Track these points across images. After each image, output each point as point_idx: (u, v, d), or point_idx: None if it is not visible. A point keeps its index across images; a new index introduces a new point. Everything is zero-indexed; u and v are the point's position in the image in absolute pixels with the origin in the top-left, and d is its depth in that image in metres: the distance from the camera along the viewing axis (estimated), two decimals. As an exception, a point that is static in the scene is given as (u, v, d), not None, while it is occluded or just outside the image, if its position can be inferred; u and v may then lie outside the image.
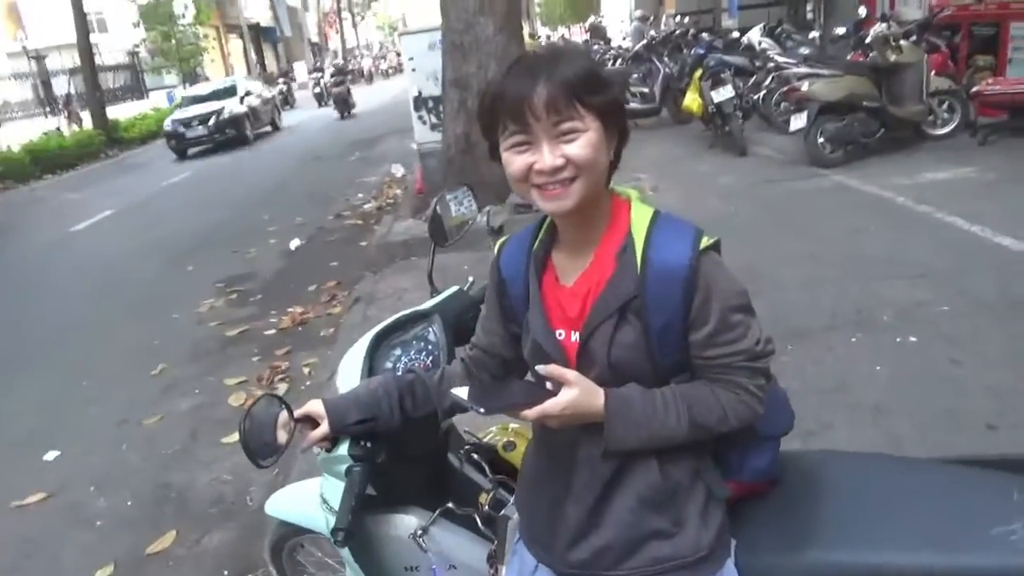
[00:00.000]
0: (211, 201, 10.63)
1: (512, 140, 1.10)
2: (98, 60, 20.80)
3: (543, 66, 1.08)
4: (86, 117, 20.36)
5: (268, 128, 19.34)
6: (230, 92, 18.09)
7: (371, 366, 1.53)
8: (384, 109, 20.73)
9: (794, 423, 1.34)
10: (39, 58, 23.01)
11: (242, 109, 17.53)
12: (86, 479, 3.53)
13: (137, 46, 25.86)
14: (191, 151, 17.10)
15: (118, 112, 21.38)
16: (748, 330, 1.12)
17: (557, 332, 1.20)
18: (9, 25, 27.15)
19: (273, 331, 5.01)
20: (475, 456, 1.66)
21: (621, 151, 1.18)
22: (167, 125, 17.26)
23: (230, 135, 16.98)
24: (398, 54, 41.58)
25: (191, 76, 25.04)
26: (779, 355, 3.37)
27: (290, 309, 5.29)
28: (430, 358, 1.55)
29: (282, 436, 1.33)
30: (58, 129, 19.96)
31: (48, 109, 22.28)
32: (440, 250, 1.78)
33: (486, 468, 1.64)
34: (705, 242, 1.12)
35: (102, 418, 4.15)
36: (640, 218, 1.15)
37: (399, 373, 1.49)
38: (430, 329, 1.59)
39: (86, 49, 18.46)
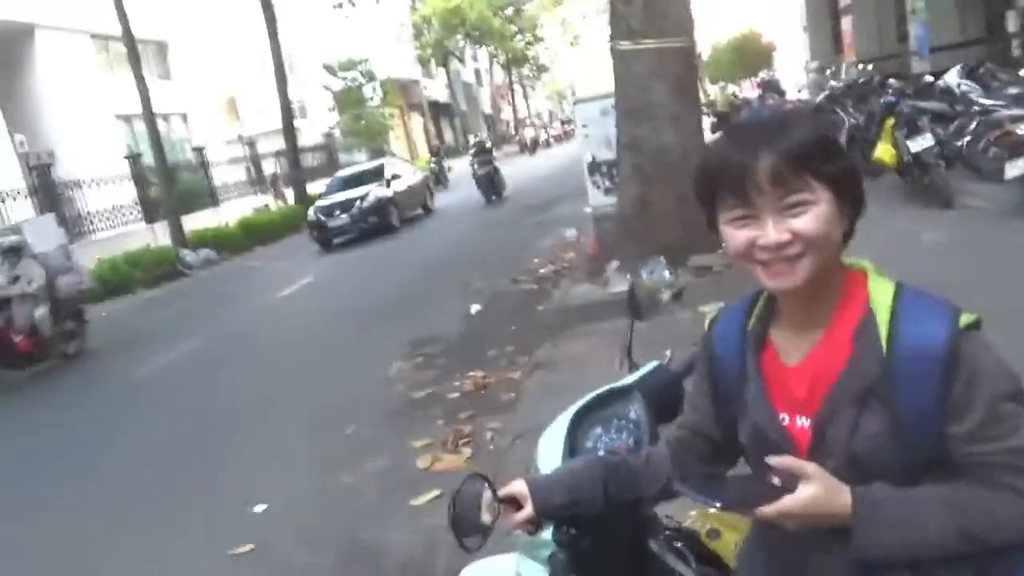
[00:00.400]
0: (395, 268, 11.32)
1: (732, 213, 1.03)
2: (299, 142, 23.15)
3: (766, 133, 1.00)
4: (290, 193, 22.59)
5: (419, 211, 18.08)
6: (376, 174, 16.73)
7: (571, 445, 1.49)
8: (544, 184, 18.77)
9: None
10: (251, 143, 26.02)
11: (387, 194, 16.07)
12: (289, 533, 3.75)
13: (332, 128, 28.55)
14: (336, 241, 15.68)
15: (316, 188, 23.59)
16: (1022, 423, 0.96)
17: (781, 416, 1.10)
18: (229, 118, 31.06)
19: (456, 394, 5.14)
20: (677, 544, 1.56)
21: (856, 222, 1.08)
22: (310, 214, 16.05)
23: (373, 223, 15.49)
24: (563, 122, 42.73)
25: (378, 152, 27.17)
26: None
27: (471, 373, 5.42)
28: (631, 438, 1.49)
29: (487, 517, 1.31)
30: (266, 205, 22.37)
31: (258, 188, 25.00)
32: (638, 324, 1.73)
33: (690, 558, 1.53)
34: (965, 319, 0.98)
35: (303, 474, 4.42)
36: (881, 293, 1.03)
37: (601, 453, 1.43)
38: (630, 407, 1.53)
39: (290, 133, 20.59)
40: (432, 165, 23.97)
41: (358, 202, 15.55)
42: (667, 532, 1.59)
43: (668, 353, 1.81)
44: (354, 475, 4.23)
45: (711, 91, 40.74)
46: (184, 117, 24.70)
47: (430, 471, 4.04)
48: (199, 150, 21.75)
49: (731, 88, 27.02)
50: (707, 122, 26.71)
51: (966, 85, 9.67)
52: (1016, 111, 6.65)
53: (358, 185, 16.30)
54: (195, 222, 18.23)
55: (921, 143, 7.26)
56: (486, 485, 1.33)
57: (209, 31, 28.39)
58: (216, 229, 18.17)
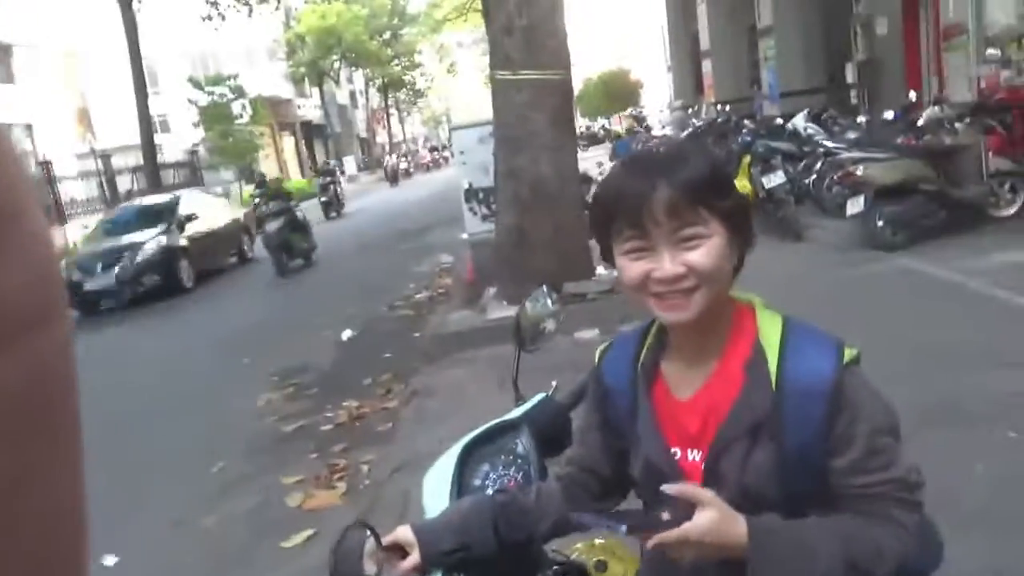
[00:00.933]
0: (269, 290, 10.83)
1: (628, 245, 1.02)
2: (160, 159, 21.86)
3: (663, 165, 1.01)
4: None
5: (233, 259, 14.07)
6: (166, 213, 12.35)
7: (459, 483, 1.43)
8: (417, 210, 17.91)
9: (942, 556, 1.19)
10: (105, 157, 24.31)
11: (175, 241, 11.77)
12: (143, 586, 3.43)
13: (197, 144, 27.21)
14: (103, 306, 11.33)
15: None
16: (897, 455, 1.01)
17: (673, 451, 1.10)
18: (81, 129, 28.91)
19: (330, 426, 4.94)
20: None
21: (745, 256, 1.10)
22: (63, 269, 10.44)
23: (152, 284, 11.21)
24: (432, 149, 42.75)
25: (247, 172, 26.11)
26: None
27: (345, 403, 5.23)
28: (520, 473, 1.44)
29: (370, 568, 1.22)
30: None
31: (112, 205, 23.35)
32: (523, 353, 1.70)
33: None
34: (849, 354, 1.02)
35: (162, 518, 4.07)
36: (769, 327, 1.06)
37: (490, 491, 1.39)
38: (518, 441, 1.49)
39: (149, 149, 19.42)
40: (321, 184, 20.77)
41: (127, 254, 11.16)
42: (555, 567, 1.56)
43: (554, 384, 1.80)
44: (220, 517, 3.94)
45: (581, 123, 42.23)
46: (28, 128, 22.75)
47: (302, 509, 3.83)
48: (44, 164, 20.07)
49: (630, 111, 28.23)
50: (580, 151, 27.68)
51: (812, 128, 10.54)
52: (856, 154, 7.29)
53: (139, 228, 11.95)
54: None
55: (774, 180, 7.81)
56: (368, 533, 1.25)
57: (61, 34, 26.41)
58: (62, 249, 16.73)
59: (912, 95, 8.57)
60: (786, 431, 1.00)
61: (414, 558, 1.21)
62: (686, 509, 0.97)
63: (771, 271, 6.80)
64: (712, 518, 0.95)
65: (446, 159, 35.13)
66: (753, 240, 1.10)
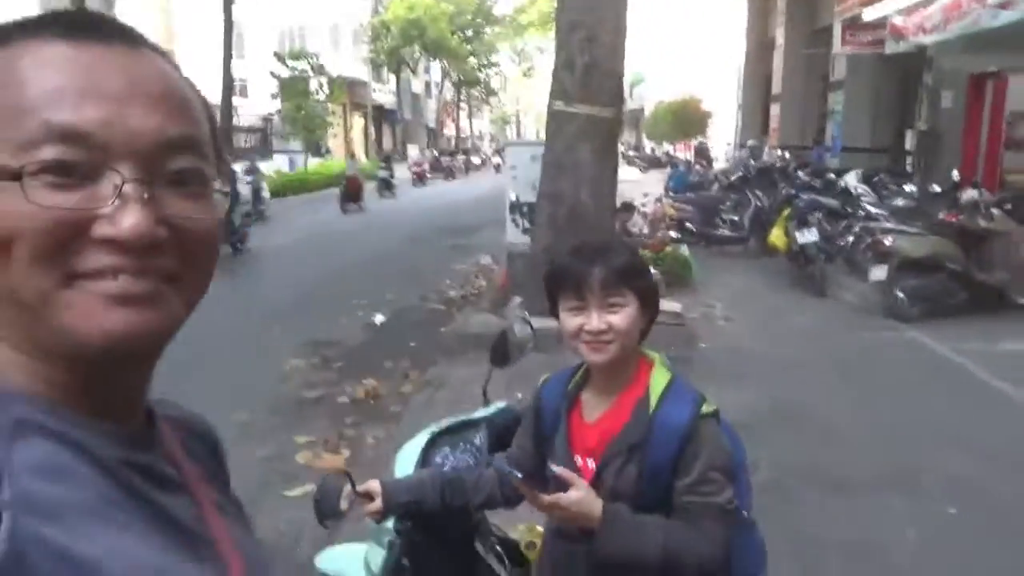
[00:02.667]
0: (317, 264, 11.40)
1: (570, 304, 1.45)
2: (235, 121, 22.79)
3: (600, 254, 1.45)
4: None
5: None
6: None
7: (424, 459, 1.84)
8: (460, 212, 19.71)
9: (765, 566, 1.55)
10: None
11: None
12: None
13: (272, 114, 28.21)
14: None
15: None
16: (723, 489, 1.39)
17: (576, 458, 1.50)
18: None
19: (346, 399, 5.39)
20: (498, 548, 1.93)
21: (652, 323, 1.51)
22: None
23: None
24: (464, 153, 41.96)
25: (314, 146, 27.00)
26: (817, 504, 3.51)
27: (364, 381, 5.68)
28: (472, 460, 1.85)
29: (344, 505, 1.65)
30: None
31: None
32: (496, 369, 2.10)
33: (506, 561, 1.91)
34: (705, 409, 1.42)
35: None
36: (658, 381, 1.47)
37: (445, 469, 1.80)
38: (476, 436, 1.90)
39: (227, 110, 20.27)
40: (381, 172, 23.12)
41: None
42: (493, 537, 1.97)
43: (519, 396, 2.20)
44: (236, 459, 4.39)
45: (647, 145, 42.25)
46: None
47: (309, 467, 4.29)
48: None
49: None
50: (636, 172, 27.72)
51: (862, 189, 10.68)
52: (890, 224, 7.49)
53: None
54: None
55: (807, 237, 8.04)
56: (347, 479, 1.67)
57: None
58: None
59: (955, 174, 8.68)
60: (649, 455, 1.40)
61: (378, 504, 1.63)
62: (566, 487, 1.38)
63: (787, 321, 7.09)
64: (580, 495, 1.36)
65: (491, 163, 35.18)
66: (656, 314, 1.51)
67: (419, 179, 24.28)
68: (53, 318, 0.53)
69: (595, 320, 1.41)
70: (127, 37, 0.57)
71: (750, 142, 21.11)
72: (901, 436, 4.36)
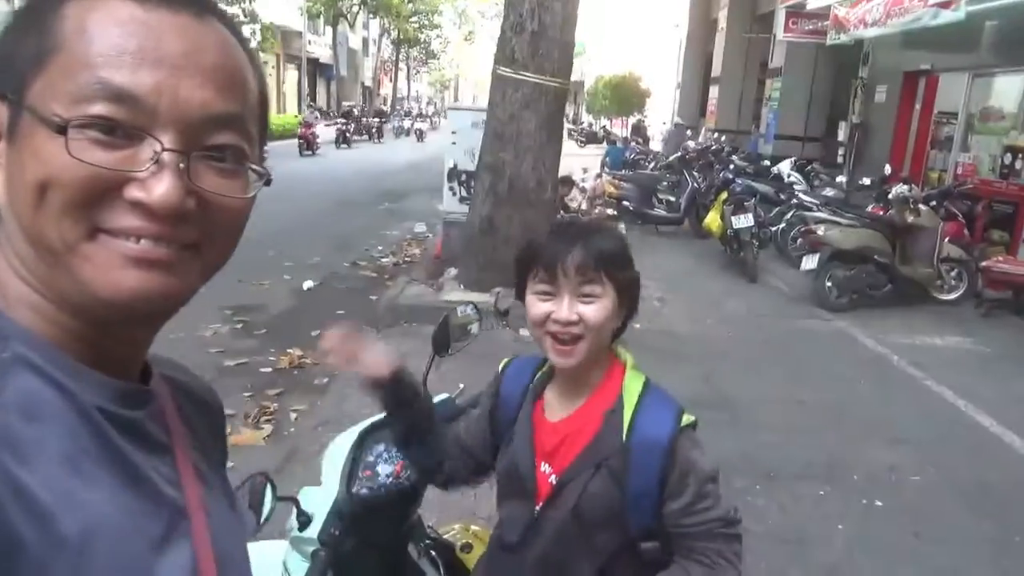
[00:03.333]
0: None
1: (539, 287, 1.26)
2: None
3: (583, 234, 1.26)
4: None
5: None
6: None
7: (354, 456, 1.66)
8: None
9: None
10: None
11: None
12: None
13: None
14: None
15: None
16: (720, 500, 1.25)
17: (535, 460, 1.34)
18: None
19: (270, 369, 5.13)
20: (432, 552, 1.77)
21: (627, 322, 1.34)
22: None
23: None
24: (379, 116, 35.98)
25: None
26: (745, 494, 3.49)
27: (289, 350, 5.42)
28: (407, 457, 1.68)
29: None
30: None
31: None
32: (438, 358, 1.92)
33: (440, 566, 1.75)
34: (686, 420, 1.26)
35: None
36: (632, 386, 1.30)
37: (380, 468, 1.62)
38: (415, 430, 1.73)
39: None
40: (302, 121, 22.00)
41: None
42: (427, 541, 1.80)
43: (461, 387, 2.03)
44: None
45: (585, 120, 42.36)
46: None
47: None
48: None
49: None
50: (574, 146, 27.70)
51: (794, 177, 10.89)
52: (823, 213, 7.61)
53: None
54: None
55: (742, 222, 8.10)
56: (268, 482, 1.47)
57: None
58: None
59: (888, 169, 8.90)
60: (631, 476, 1.24)
61: (383, 368, 1.45)
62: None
63: (720, 305, 7.14)
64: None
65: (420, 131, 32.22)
66: (636, 310, 1.35)
67: (308, 145, 21.26)
68: (73, 267, 0.55)
69: (565, 309, 1.23)
70: (196, 4, 0.57)
71: (676, 120, 21.28)
72: (828, 426, 4.41)
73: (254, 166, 0.61)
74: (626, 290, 1.29)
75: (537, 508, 1.32)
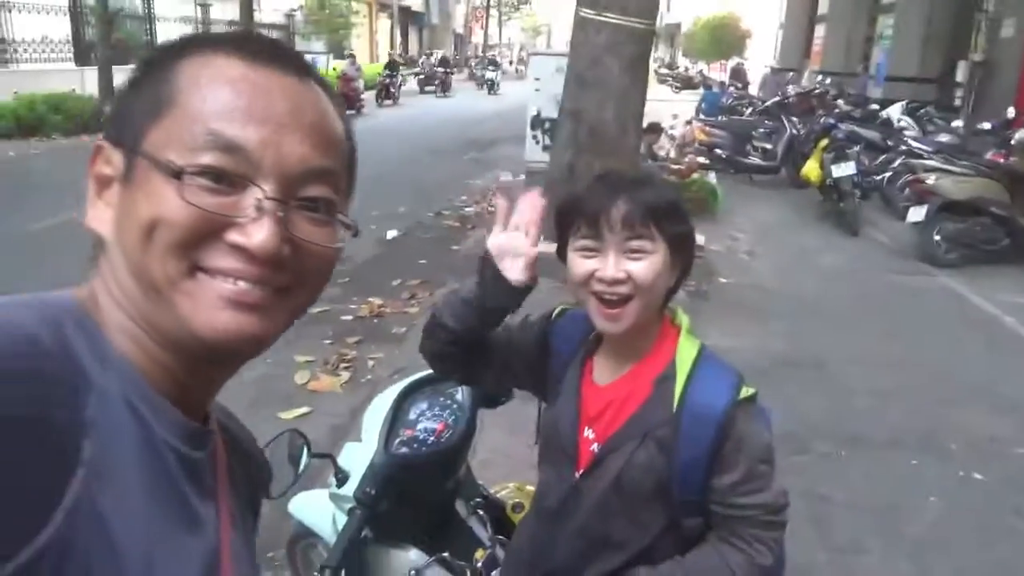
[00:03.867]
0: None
1: (582, 243, 1.16)
2: (257, 17, 22.03)
3: (630, 184, 1.15)
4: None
5: None
6: None
7: (396, 414, 1.62)
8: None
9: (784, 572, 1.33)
10: (205, 5, 24.57)
11: None
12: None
13: (295, 10, 27.26)
14: None
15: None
16: (770, 482, 1.16)
17: (578, 424, 1.25)
18: (187, -29, 29.11)
19: (350, 317, 5.22)
20: (481, 512, 1.73)
21: (682, 282, 1.23)
22: None
23: None
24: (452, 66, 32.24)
25: (337, 47, 26.16)
26: (830, 460, 3.31)
27: (370, 299, 5.50)
28: (452, 417, 1.63)
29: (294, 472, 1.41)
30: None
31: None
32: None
33: (488, 525, 1.71)
34: (744, 392, 1.16)
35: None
36: (686, 352, 1.20)
37: (421, 426, 1.58)
38: (460, 390, 1.67)
39: (247, 4, 19.56)
40: (382, 77, 21.88)
41: None
42: (478, 499, 1.77)
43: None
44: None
45: (682, 64, 40.76)
46: (137, -39, 23.02)
47: (306, 387, 4.15)
48: (147, 1, 20.44)
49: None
50: (669, 92, 26.67)
51: (905, 122, 10.14)
52: (933, 161, 7.04)
53: None
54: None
55: (843, 170, 7.61)
56: (304, 443, 1.40)
57: None
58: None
59: (1011, 111, 8.10)
60: (679, 447, 1.15)
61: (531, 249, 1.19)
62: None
63: (814, 259, 6.77)
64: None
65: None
66: (690, 270, 1.23)
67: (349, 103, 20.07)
68: (174, 302, 0.58)
69: (611, 266, 1.12)
70: (299, 67, 0.63)
71: (773, 63, 20.05)
72: (926, 391, 4.12)
73: (343, 218, 0.65)
74: (679, 245, 1.17)
75: (577, 476, 1.25)
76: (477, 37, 53.10)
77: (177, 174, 0.56)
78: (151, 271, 0.58)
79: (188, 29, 23.46)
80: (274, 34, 26.63)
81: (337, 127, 0.66)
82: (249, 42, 0.62)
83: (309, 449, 1.44)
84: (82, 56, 17.32)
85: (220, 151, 0.57)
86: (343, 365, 4.45)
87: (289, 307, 0.64)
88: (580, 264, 1.16)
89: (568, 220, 1.18)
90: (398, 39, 36.56)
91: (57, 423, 0.49)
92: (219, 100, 0.58)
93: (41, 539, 0.46)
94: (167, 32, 21.65)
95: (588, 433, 1.25)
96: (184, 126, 0.58)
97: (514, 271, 1.17)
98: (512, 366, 1.36)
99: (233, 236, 0.58)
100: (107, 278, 0.61)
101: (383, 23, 37.19)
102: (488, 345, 1.33)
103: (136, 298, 0.60)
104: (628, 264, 1.13)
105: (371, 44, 33.40)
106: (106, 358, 0.56)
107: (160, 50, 0.63)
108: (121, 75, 16.21)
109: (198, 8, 24.15)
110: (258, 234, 0.57)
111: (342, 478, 1.50)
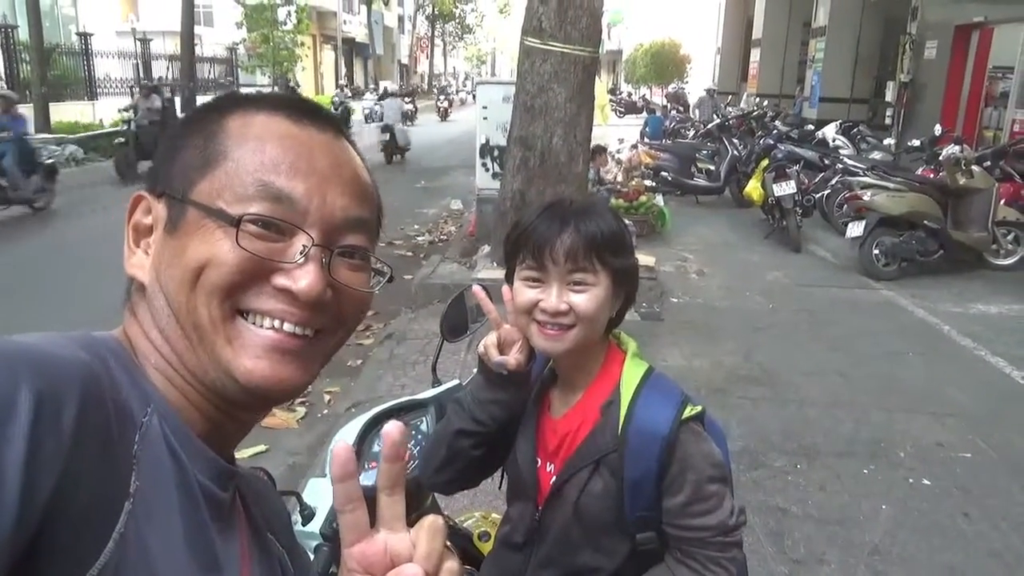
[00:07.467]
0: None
1: (526, 273, 1.18)
2: (199, 51, 21.77)
3: (575, 215, 1.16)
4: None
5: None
6: None
7: (359, 448, 1.61)
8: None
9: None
10: (144, 40, 24.20)
11: None
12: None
13: (237, 44, 27.04)
14: None
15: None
16: (722, 501, 1.16)
17: (537, 459, 1.27)
18: (125, 7, 28.73)
19: (303, 351, 5.14)
20: (448, 542, 1.72)
21: (625, 311, 1.25)
22: None
23: None
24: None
25: (282, 80, 26.00)
26: (785, 473, 3.38)
27: (324, 332, 5.42)
28: (418, 448, 1.62)
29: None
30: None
31: (143, 90, 23.28)
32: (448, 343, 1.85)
33: (455, 555, 1.70)
34: (688, 412, 1.17)
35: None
36: (631, 376, 1.21)
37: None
38: (424, 419, 1.66)
39: (188, 38, 19.30)
40: (334, 102, 21.95)
41: None
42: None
43: (475, 371, 1.96)
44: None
45: (624, 89, 41.60)
46: (73, -4, 22.61)
47: (260, 424, 4.05)
48: (84, 35, 20.04)
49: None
50: (613, 117, 27.22)
51: (840, 141, 10.53)
52: (868, 178, 7.31)
53: None
54: (66, 112, 16.79)
55: (784, 189, 7.84)
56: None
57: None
58: (89, 125, 16.82)
59: (938, 129, 8.50)
60: (626, 466, 1.16)
61: (519, 355, 1.23)
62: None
63: (761, 276, 6.94)
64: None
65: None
66: (633, 300, 1.25)
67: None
68: (216, 345, 0.61)
69: (554, 297, 1.14)
70: (335, 126, 0.68)
71: (708, 86, 20.68)
72: (874, 400, 4.24)
73: (376, 264, 0.69)
74: (622, 278, 1.19)
75: (539, 510, 1.26)
76: (422, 67, 53.40)
77: (235, 221, 0.60)
78: (196, 312, 0.61)
79: (127, 65, 23.05)
80: (216, 68, 26.38)
81: (369, 181, 0.71)
82: (290, 102, 0.67)
83: (274, 486, 1.42)
84: (16, 92, 16.82)
85: (270, 201, 0.61)
86: (299, 400, 4.37)
87: (324, 350, 0.67)
88: (524, 293, 1.18)
89: (515, 249, 1.20)
90: (343, 70, 36.52)
91: (119, 453, 0.52)
92: (268, 154, 0.62)
93: (100, 561, 0.48)
94: (105, 68, 21.23)
95: (549, 468, 1.26)
96: (235, 178, 0.61)
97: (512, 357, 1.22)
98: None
99: (280, 280, 0.61)
100: (144, 321, 0.64)
101: (327, 55, 37.17)
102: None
103: (176, 341, 0.62)
104: (571, 296, 1.14)
105: (316, 76, 33.31)
106: (146, 397, 0.58)
107: (201, 110, 0.67)
108: (58, 113, 15.83)
109: (137, 43, 23.75)
110: (304, 279, 0.61)
111: (307, 515, 1.48)
